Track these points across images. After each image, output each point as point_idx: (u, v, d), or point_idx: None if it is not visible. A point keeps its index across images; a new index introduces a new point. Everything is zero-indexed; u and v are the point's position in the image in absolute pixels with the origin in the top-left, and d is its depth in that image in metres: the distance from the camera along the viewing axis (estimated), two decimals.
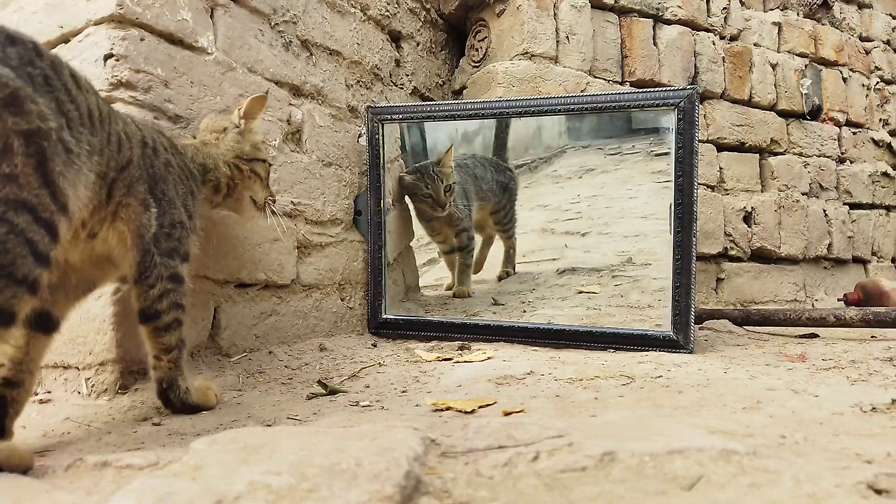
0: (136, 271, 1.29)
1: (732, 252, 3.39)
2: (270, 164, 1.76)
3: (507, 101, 2.29)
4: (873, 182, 4.06)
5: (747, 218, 3.46)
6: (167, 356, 1.34)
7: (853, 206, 3.97)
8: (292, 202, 2.14)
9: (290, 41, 2.17)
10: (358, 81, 2.51)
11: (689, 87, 2.09)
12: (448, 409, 1.34)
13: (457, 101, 2.57)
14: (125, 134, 1.25)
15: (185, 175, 1.44)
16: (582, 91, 2.84)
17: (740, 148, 3.49)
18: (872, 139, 4.08)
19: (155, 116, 1.68)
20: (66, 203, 1.05)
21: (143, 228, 1.28)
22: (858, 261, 4.02)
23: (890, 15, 4.26)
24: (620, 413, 1.26)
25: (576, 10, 2.87)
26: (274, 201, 1.73)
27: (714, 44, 3.37)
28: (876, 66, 4.15)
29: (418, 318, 2.35)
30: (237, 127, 1.67)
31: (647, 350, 2.04)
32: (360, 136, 2.48)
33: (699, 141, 2.08)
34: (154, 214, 1.29)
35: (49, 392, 1.63)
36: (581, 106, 2.19)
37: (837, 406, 1.24)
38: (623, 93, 2.19)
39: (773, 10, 3.73)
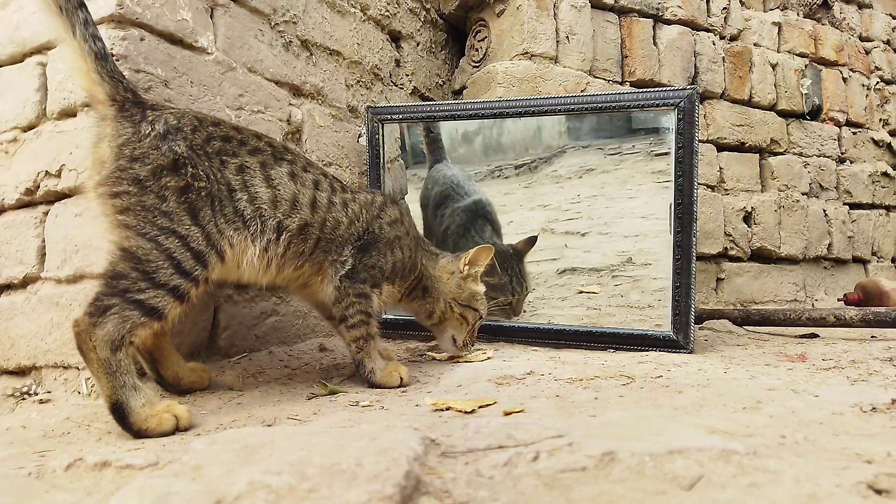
0: (332, 297, 1.67)
1: (732, 252, 3.39)
2: (482, 317, 1.99)
3: (507, 101, 2.29)
4: (873, 182, 4.06)
5: (747, 218, 3.46)
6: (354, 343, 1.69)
7: (853, 206, 3.97)
8: None
9: (290, 41, 2.17)
10: (358, 81, 2.51)
11: (689, 87, 2.09)
12: (448, 409, 1.34)
13: (457, 101, 2.57)
14: (352, 221, 1.67)
15: (409, 244, 1.83)
16: (582, 91, 2.84)
17: (740, 148, 3.49)
18: (872, 139, 4.08)
19: None
20: (217, 245, 1.41)
21: (339, 269, 1.65)
22: (858, 261, 4.02)
23: (890, 15, 4.26)
24: (620, 413, 1.26)
25: (576, 10, 2.87)
26: (472, 344, 1.99)
27: (714, 44, 3.37)
28: (876, 66, 4.15)
29: None
30: (461, 273, 1.92)
31: (648, 350, 2.04)
32: (360, 136, 2.48)
33: (699, 141, 2.08)
34: (352, 259, 1.66)
35: (49, 392, 1.63)
36: (581, 106, 2.19)
37: (837, 406, 1.24)
38: (623, 93, 2.19)
39: (773, 10, 3.73)
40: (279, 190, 1.51)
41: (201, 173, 1.40)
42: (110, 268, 1.32)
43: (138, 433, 1.27)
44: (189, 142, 1.41)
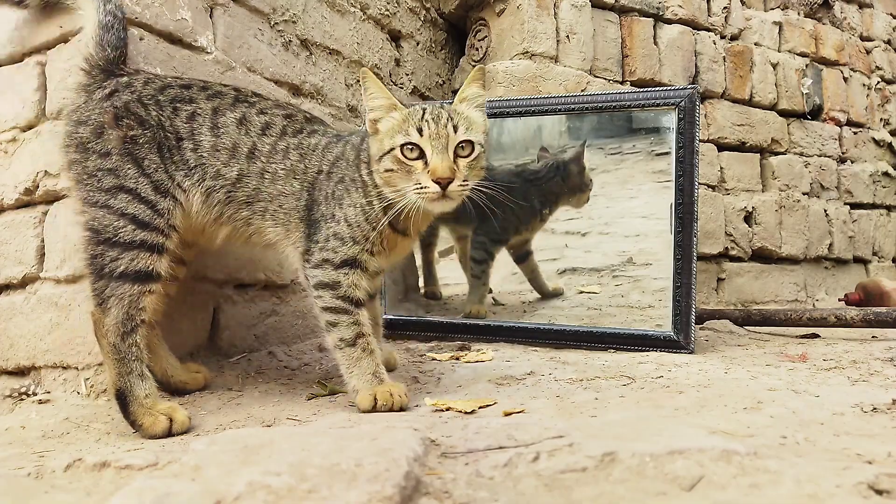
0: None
1: (733, 252, 3.39)
2: None
3: (507, 100, 2.29)
4: (874, 182, 4.05)
5: (748, 218, 3.46)
6: None
7: (854, 205, 3.97)
8: None
9: (290, 40, 2.17)
10: (358, 81, 2.51)
11: (689, 86, 2.08)
12: (448, 409, 1.34)
13: None
14: (289, 176, 1.50)
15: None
16: (582, 90, 2.84)
17: (741, 148, 3.48)
18: (873, 139, 4.08)
19: None
20: (168, 191, 1.39)
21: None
22: (859, 261, 4.01)
23: (890, 14, 4.25)
24: (621, 413, 1.25)
25: (576, 9, 2.87)
26: None
27: (715, 43, 3.36)
28: (877, 66, 4.14)
29: (418, 319, 2.35)
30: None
31: (648, 350, 2.04)
32: None
33: (700, 140, 2.08)
34: (303, 237, 1.51)
35: (48, 392, 1.62)
36: (581, 105, 2.18)
37: (838, 406, 1.24)
38: (623, 92, 2.18)
39: (773, 9, 3.72)
40: (220, 138, 1.47)
41: (144, 121, 1.40)
42: (86, 254, 1.36)
43: (133, 424, 1.29)
44: (137, 94, 1.42)
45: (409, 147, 1.38)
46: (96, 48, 1.46)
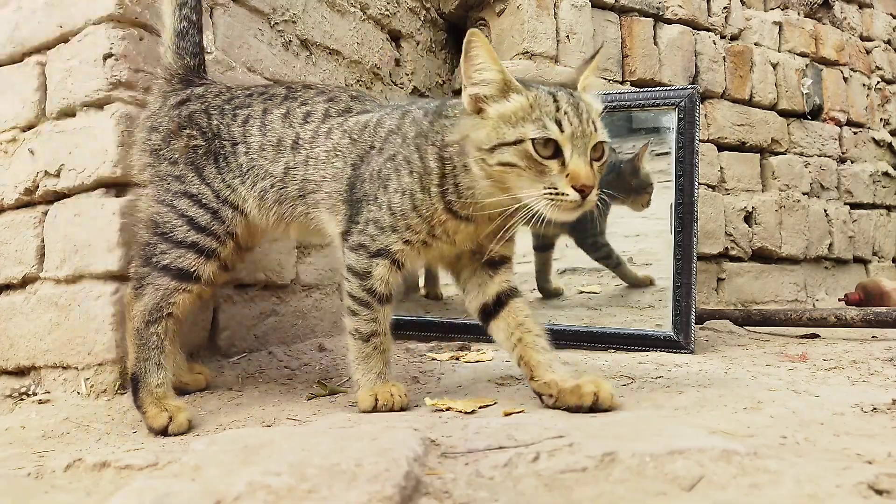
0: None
1: (733, 252, 3.39)
2: None
3: None
4: (874, 182, 4.05)
5: (748, 218, 3.46)
6: None
7: (854, 205, 3.97)
8: None
9: (290, 40, 2.17)
10: (358, 81, 2.51)
11: (689, 86, 2.08)
12: (448, 409, 1.34)
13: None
14: (331, 156, 1.42)
15: None
16: None
17: (741, 148, 3.48)
18: (873, 139, 4.08)
19: None
20: (227, 199, 1.43)
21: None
22: (859, 261, 4.01)
23: (891, 14, 4.25)
24: (621, 413, 1.25)
25: (576, 9, 2.87)
26: None
27: (715, 43, 3.36)
28: (877, 66, 4.14)
29: (418, 318, 2.35)
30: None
31: (648, 350, 2.04)
32: None
33: (700, 140, 2.08)
34: (345, 218, 1.47)
35: (48, 392, 1.62)
36: None
37: (838, 406, 1.24)
38: (624, 92, 2.19)
39: (773, 9, 3.72)
40: (267, 136, 1.45)
41: (204, 132, 1.44)
42: (141, 240, 1.42)
43: (139, 409, 1.33)
44: (206, 104, 1.46)
45: (543, 143, 1.15)
46: (174, 57, 1.51)
